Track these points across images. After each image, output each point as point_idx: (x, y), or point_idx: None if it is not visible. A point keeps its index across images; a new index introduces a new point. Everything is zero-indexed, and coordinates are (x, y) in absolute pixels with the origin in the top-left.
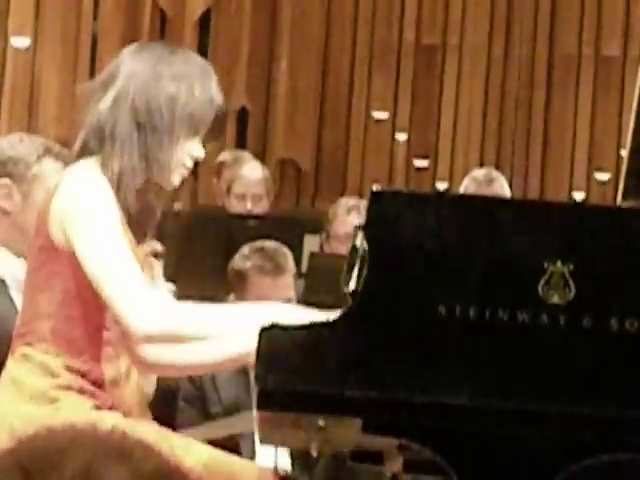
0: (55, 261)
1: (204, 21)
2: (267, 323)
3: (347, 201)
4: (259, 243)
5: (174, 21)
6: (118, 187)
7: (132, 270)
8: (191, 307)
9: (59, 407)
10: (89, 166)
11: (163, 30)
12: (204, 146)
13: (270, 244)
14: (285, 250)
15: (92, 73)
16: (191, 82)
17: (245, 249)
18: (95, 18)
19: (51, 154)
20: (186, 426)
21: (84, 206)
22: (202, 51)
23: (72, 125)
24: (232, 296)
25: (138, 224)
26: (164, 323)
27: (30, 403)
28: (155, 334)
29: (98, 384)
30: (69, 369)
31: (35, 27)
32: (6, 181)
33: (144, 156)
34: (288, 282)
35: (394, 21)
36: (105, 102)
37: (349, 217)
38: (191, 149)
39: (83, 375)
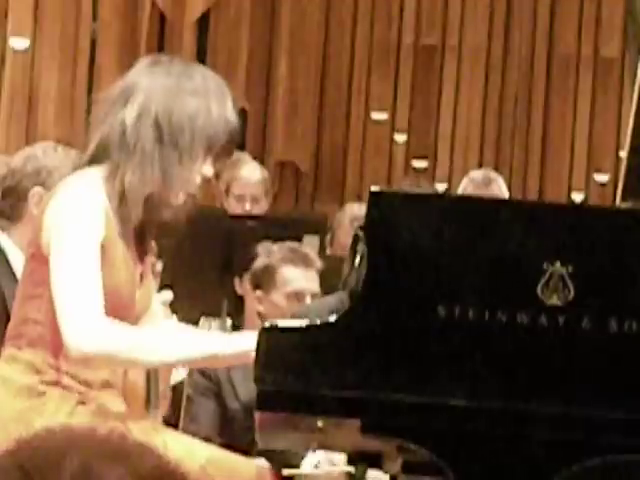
0: (44, 269)
1: (203, 23)
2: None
3: (352, 209)
4: (282, 243)
5: (173, 23)
6: (126, 198)
7: (88, 289)
8: (133, 332)
9: (45, 401)
10: (89, 177)
11: (162, 32)
12: (215, 164)
13: (294, 243)
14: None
15: (91, 74)
16: (209, 100)
17: (270, 248)
18: (94, 19)
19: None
20: (204, 419)
21: (67, 217)
22: (201, 53)
23: (71, 126)
24: (258, 292)
25: (142, 235)
26: (100, 346)
27: (17, 398)
28: (90, 355)
29: (88, 385)
30: (55, 368)
31: (34, 28)
32: (39, 190)
33: (163, 171)
34: (315, 276)
35: (393, 22)
36: (127, 116)
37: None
38: (202, 167)
39: (70, 375)
